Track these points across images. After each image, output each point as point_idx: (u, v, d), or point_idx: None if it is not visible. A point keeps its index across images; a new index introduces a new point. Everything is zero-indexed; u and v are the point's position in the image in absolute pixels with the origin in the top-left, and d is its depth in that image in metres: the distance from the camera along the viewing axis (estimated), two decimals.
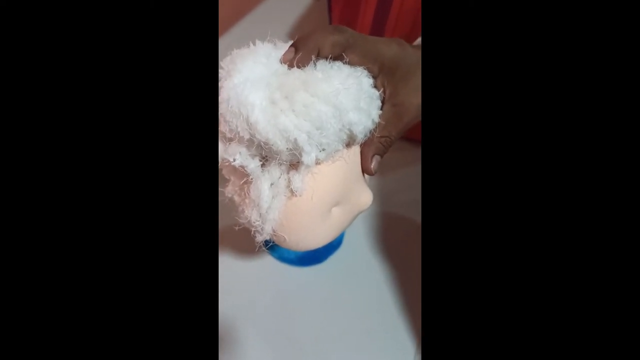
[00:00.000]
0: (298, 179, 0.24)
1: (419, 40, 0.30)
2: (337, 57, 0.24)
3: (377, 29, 0.45)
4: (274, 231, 0.25)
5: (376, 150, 0.26)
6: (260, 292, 0.40)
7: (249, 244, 0.32)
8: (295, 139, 0.22)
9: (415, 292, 0.40)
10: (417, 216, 0.45)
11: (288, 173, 0.24)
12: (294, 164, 0.24)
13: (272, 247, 0.40)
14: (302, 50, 0.23)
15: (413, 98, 0.25)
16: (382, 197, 0.47)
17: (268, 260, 0.42)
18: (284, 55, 0.24)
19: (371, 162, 0.26)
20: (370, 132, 0.25)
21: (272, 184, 0.24)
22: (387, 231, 0.44)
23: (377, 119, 0.25)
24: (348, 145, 0.25)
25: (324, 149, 0.23)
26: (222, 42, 0.67)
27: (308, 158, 0.22)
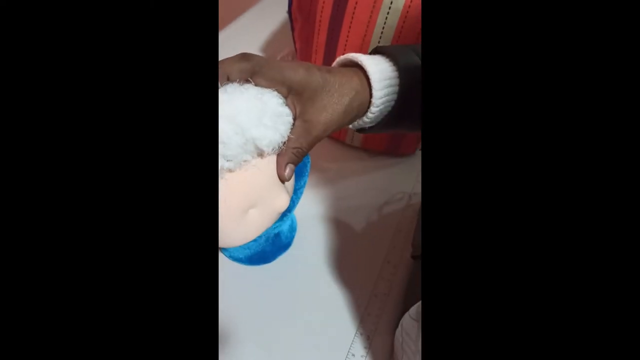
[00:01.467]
0: None
1: (338, 59, 0.34)
2: (247, 81, 0.28)
3: (330, 47, 0.49)
4: None
5: (289, 160, 0.29)
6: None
7: None
8: None
9: (355, 288, 0.43)
10: (359, 222, 0.49)
11: None
12: None
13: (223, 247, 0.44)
14: None
15: (320, 116, 0.29)
16: (332, 202, 0.51)
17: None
18: None
19: (285, 169, 0.29)
20: (283, 144, 0.29)
21: None
22: (333, 235, 0.48)
23: (286, 134, 0.29)
24: (260, 155, 0.29)
25: (229, 160, 0.27)
26: None
27: None
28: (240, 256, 0.43)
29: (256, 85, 0.28)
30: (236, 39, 0.76)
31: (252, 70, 0.27)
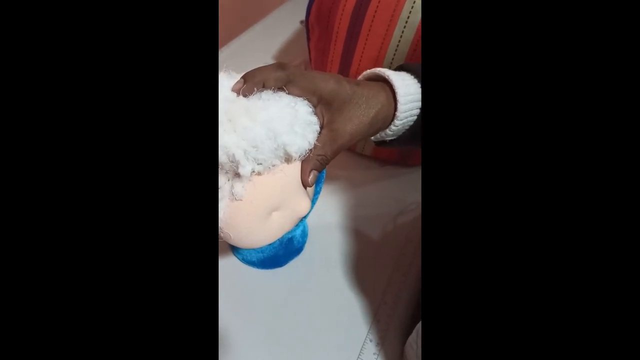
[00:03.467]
0: (239, 186, 0.28)
1: (365, 73, 0.35)
2: (281, 89, 0.29)
3: (346, 58, 0.50)
4: (221, 229, 0.30)
5: (313, 166, 0.30)
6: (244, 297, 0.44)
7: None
8: (233, 154, 0.26)
9: (365, 294, 0.43)
10: (371, 230, 0.50)
11: (232, 180, 0.29)
12: (237, 173, 0.28)
13: (237, 249, 0.45)
14: (249, 82, 0.28)
15: (347, 126, 0.30)
16: (343, 210, 0.52)
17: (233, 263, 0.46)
18: (234, 85, 0.29)
19: (309, 175, 0.30)
20: (309, 151, 0.30)
21: (219, 188, 0.29)
22: (344, 242, 0.48)
23: (313, 141, 0.30)
24: (287, 160, 0.30)
25: (260, 163, 0.28)
26: None
27: (244, 170, 0.27)
28: (254, 259, 0.44)
29: (289, 93, 0.29)
30: (250, 47, 0.78)
31: (287, 79, 0.29)
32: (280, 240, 0.42)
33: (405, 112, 0.32)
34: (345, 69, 0.51)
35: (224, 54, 0.75)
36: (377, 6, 0.44)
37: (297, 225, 0.41)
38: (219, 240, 0.30)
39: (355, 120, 0.30)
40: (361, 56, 0.48)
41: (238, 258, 0.45)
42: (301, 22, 0.82)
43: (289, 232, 0.42)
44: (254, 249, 0.42)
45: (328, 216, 0.51)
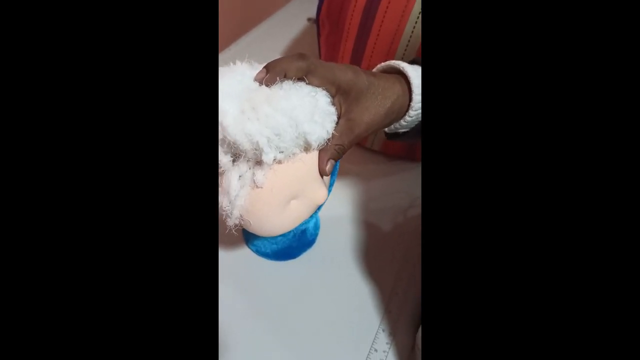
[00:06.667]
0: (260, 174, 0.29)
1: (380, 65, 0.36)
2: (300, 79, 0.30)
3: (357, 53, 0.51)
4: (241, 216, 0.30)
5: (331, 156, 0.31)
6: (247, 288, 0.44)
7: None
8: (257, 142, 0.27)
9: (376, 285, 0.44)
10: (382, 223, 0.50)
11: (254, 168, 0.30)
12: (259, 161, 0.29)
13: (251, 241, 0.45)
14: (271, 72, 0.29)
15: (364, 116, 0.31)
16: (355, 203, 0.52)
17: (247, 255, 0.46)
18: (256, 74, 0.30)
19: (326, 164, 0.31)
20: (327, 140, 0.30)
21: (240, 176, 0.30)
22: (355, 234, 0.49)
23: (331, 130, 0.30)
24: (306, 149, 0.30)
25: (282, 152, 0.29)
26: (223, 56, 0.73)
27: (267, 157, 0.28)
28: (268, 251, 0.44)
29: (309, 83, 0.30)
30: (257, 45, 0.78)
31: (307, 70, 0.29)
32: (294, 232, 0.43)
33: (419, 102, 0.33)
34: (356, 64, 0.51)
35: (231, 52, 0.76)
36: (389, 2, 0.45)
37: (310, 218, 0.42)
38: (236, 228, 0.31)
39: (372, 110, 0.31)
40: (372, 51, 0.49)
41: (252, 250, 0.46)
42: (308, 19, 0.83)
43: (302, 224, 0.43)
44: (268, 241, 0.43)
45: (339, 209, 0.51)
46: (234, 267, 0.45)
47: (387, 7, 0.45)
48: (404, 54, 0.47)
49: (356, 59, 0.51)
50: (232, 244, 0.47)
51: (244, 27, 0.81)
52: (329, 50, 0.55)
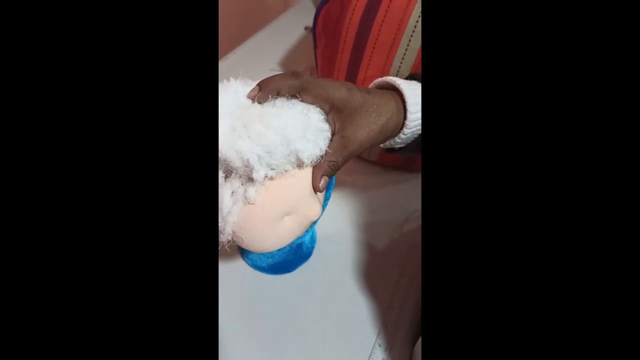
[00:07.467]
0: (252, 190, 0.29)
1: (376, 81, 0.36)
2: (294, 96, 0.30)
3: (353, 66, 0.51)
4: (233, 232, 0.30)
5: (324, 172, 0.31)
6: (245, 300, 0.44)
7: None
8: (248, 159, 0.27)
9: (372, 299, 0.44)
10: (379, 237, 0.50)
11: (246, 184, 0.30)
12: (251, 178, 0.29)
13: (247, 255, 0.45)
14: (264, 90, 0.29)
15: (357, 133, 0.31)
16: (351, 216, 0.52)
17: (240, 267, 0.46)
18: (249, 92, 0.30)
19: (320, 181, 0.31)
20: (320, 157, 0.30)
21: (232, 192, 0.30)
22: (352, 247, 0.49)
23: (324, 148, 0.30)
24: (299, 166, 0.30)
25: (273, 169, 0.29)
26: (221, 64, 0.74)
27: (258, 175, 0.28)
28: (264, 265, 0.44)
29: (302, 101, 0.30)
30: (255, 53, 0.79)
31: (301, 87, 0.29)
32: (290, 245, 0.43)
33: (414, 120, 0.33)
34: (352, 77, 0.52)
35: (230, 60, 0.76)
36: (385, 16, 0.45)
37: (306, 231, 0.42)
38: (230, 244, 0.31)
39: (365, 127, 0.31)
40: (368, 64, 0.49)
41: (248, 263, 0.46)
42: (305, 28, 0.83)
43: (298, 238, 0.43)
44: (264, 255, 0.43)
45: (336, 222, 0.51)
46: (230, 280, 0.45)
47: (383, 21, 0.45)
48: (399, 68, 0.47)
49: (352, 72, 0.51)
50: (228, 257, 0.47)
51: (239, 37, 0.82)
52: (325, 63, 0.55)
